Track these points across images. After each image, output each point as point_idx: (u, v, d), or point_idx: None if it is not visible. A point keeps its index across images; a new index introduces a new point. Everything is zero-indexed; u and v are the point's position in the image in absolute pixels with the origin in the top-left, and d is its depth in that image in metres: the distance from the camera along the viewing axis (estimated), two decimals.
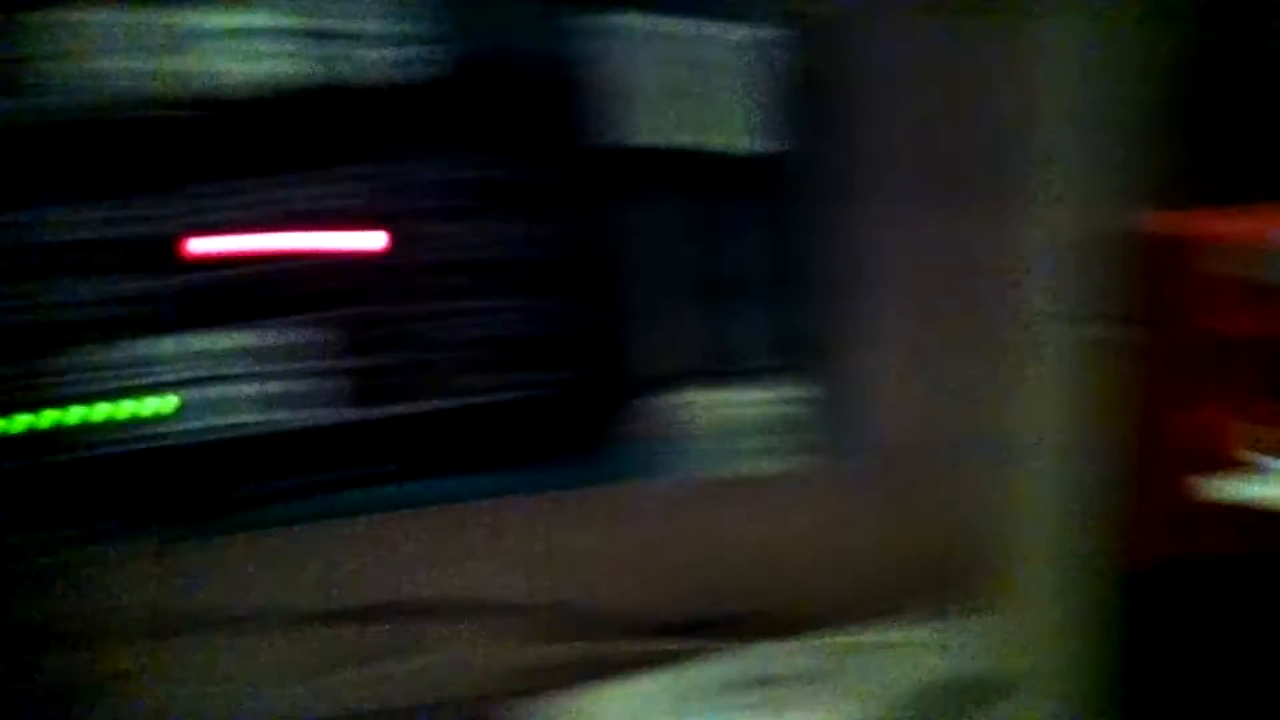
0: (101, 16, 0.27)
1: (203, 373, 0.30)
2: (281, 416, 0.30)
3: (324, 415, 0.30)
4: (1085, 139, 0.34)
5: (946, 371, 0.41)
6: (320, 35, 0.28)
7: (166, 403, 0.30)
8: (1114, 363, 0.34)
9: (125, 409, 0.30)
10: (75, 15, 0.27)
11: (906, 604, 0.43)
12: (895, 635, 0.41)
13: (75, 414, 0.29)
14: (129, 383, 0.29)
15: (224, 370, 0.30)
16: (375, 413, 0.30)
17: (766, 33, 0.30)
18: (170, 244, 0.28)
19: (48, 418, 0.29)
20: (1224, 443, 0.38)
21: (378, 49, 0.29)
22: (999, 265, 0.38)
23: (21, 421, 0.29)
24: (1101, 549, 0.37)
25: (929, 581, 0.44)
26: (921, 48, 0.36)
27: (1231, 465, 0.38)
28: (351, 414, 0.30)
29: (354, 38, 0.29)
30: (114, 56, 0.27)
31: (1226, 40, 0.38)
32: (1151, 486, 0.39)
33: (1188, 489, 0.38)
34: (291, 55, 0.28)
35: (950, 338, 0.41)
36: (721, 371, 0.33)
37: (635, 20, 0.29)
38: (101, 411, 0.30)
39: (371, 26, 0.28)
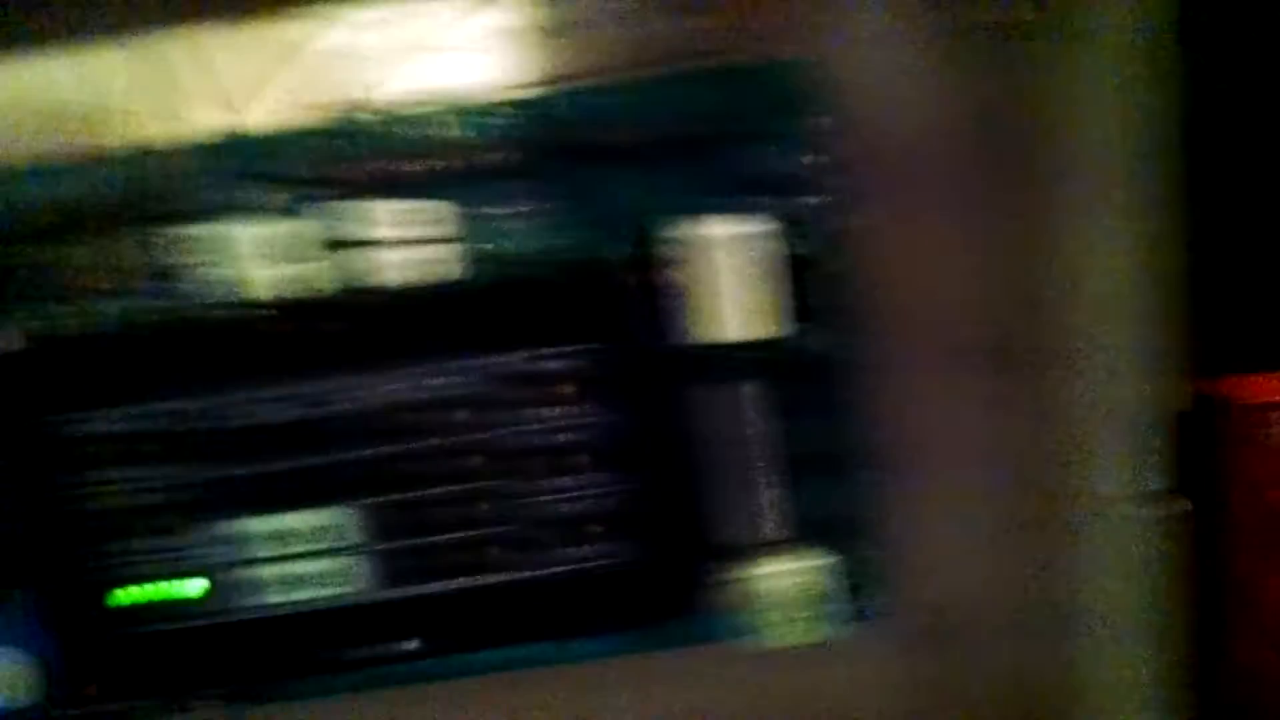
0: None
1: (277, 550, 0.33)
2: (344, 590, 0.34)
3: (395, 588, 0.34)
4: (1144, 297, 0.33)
5: (996, 543, 0.40)
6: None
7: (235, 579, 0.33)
8: (1182, 538, 0.32)
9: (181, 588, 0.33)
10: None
11: None
12: None
13: (138, 593, 0.33)
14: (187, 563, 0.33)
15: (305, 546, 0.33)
16: (446, 585, 0.34)
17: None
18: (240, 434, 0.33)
19: (121, 596, 0.33)
20: None
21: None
22: (1050, 437, 0.37)
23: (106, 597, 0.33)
24: None
25: None
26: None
27: None
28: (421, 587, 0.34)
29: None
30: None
31: None
32: (1229, 661, 0.36)
33: (1266, 663, 0.36)
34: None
35: (1001, 509, 0.40)
36: (770, 542, 0.35)
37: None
38: (163, 591, 0.33)
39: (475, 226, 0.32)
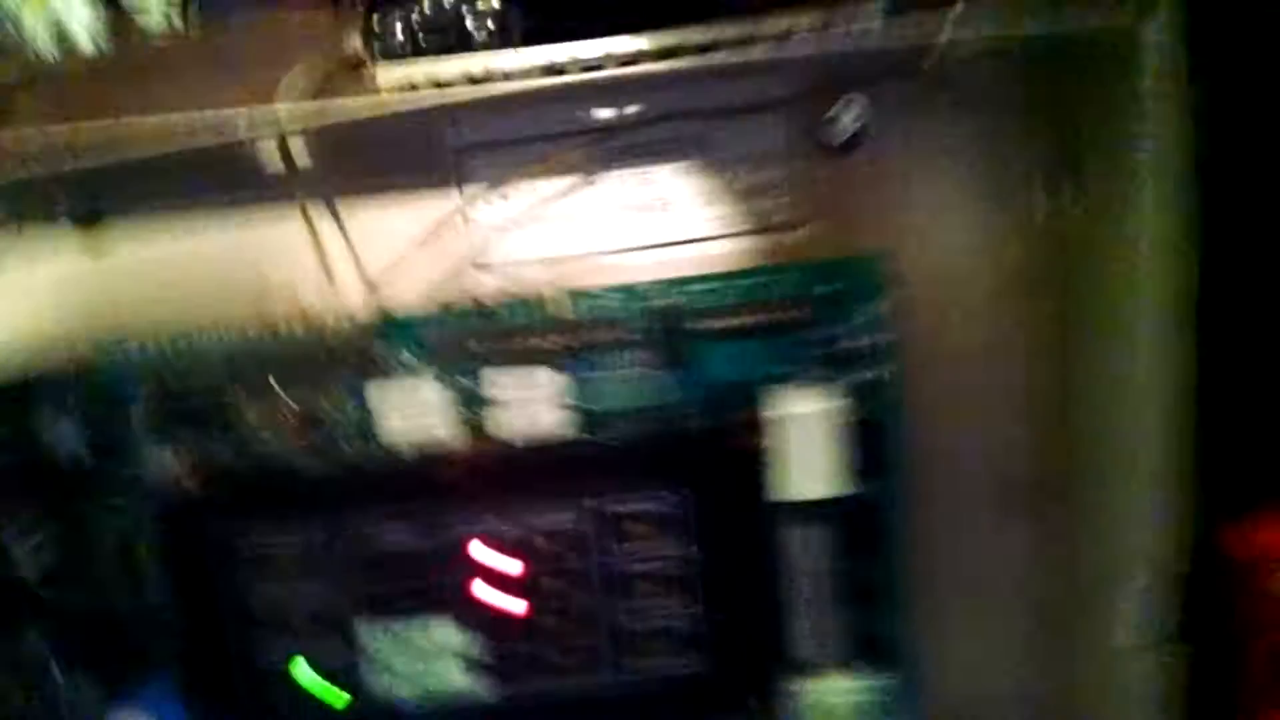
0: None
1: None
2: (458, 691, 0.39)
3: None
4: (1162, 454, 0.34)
5: (1021, 679, 0.43)
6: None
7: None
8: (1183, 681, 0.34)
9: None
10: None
11: None
12: None
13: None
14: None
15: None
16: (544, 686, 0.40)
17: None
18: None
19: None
20: None
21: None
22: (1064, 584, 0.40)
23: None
24: None
25: None
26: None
27: None
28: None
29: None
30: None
31: None
32: None
33: None
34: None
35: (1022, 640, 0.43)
36: (821, 661, 0.39)
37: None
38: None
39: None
